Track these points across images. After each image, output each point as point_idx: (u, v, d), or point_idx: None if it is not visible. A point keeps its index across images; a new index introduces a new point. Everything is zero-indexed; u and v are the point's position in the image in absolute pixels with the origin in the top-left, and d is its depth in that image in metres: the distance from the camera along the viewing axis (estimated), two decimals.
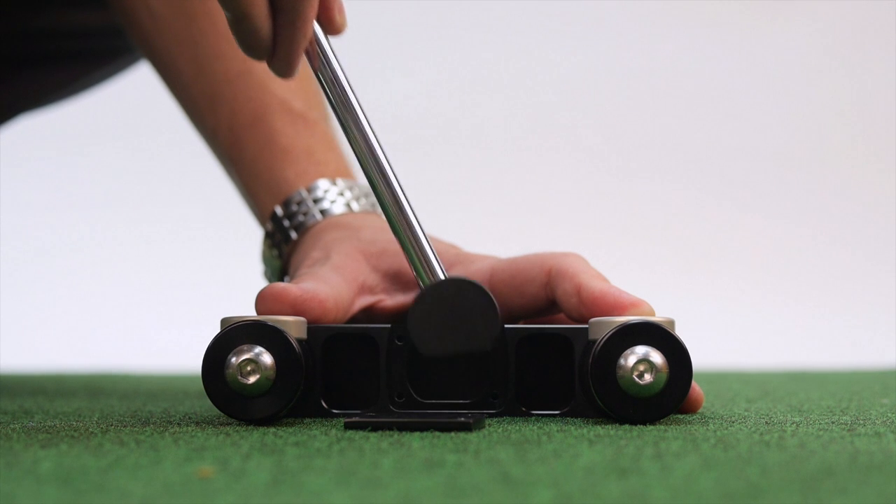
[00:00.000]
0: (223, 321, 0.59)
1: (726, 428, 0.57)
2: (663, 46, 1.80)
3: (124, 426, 0.58)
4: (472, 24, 1.80)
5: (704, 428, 0.56)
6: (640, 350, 0.57)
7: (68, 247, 1.74)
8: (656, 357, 0.57)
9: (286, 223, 0.71)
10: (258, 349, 0.57)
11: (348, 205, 0.71)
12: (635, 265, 1.58)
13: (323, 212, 0.70)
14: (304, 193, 0.71)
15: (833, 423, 0.59)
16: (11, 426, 0.59)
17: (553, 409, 0.61)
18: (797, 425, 0.58)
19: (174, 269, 1.72)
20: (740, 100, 1.80)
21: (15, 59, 0.92)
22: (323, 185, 0.71)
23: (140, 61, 0.90)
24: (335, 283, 0.63)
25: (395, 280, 0.65)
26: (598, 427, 0.57)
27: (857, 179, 1.77)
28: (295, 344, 0.58)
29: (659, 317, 0.58)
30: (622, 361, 0.57)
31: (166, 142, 1.63)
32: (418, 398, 0.61)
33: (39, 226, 1.75)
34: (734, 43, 1.81)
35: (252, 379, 0.57)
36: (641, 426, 0.56)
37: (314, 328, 0.60)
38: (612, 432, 0.54)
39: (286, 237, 0.71)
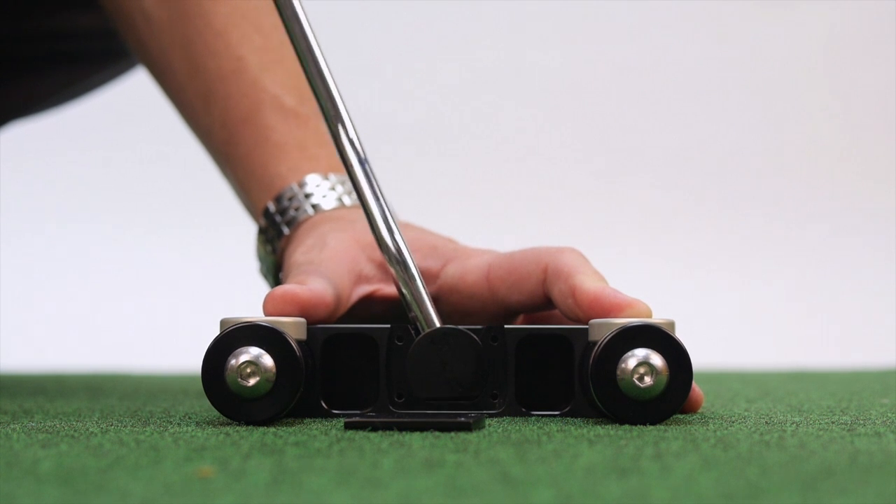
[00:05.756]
0: (223, 322, 0.59)
1: (726, 428, 0.57)
2: (663, 46, 1.80)
3: (124, 426, 0.58)
4: (466, 24, 1.80)
5: (704, 428, 0.56)
6: (640, 353, 0.57)
7: (69, 247, 1.73)
8: (656, 360, 0.57)
9: (278, 218, 0.71)
10: (258, 351, 0.57)
11: (340, 199, 0.71)
12: (635, 264, 1.58)
13: (314, 206, 0.70)
14: (296, 188, 0.71)
15: (833, 423, 0.59)
16: (11, 426, 0.59)
17: (553, 409, 0.61)
18: (797, 425, 0.58)
19: (174, 270, 1.72)
20: (741, 99, 1.80)
21: (9, 63, 0.91)
22: (314, 179, 0.71)
23: (137, 66, 0.90)
24: (337, 277, 0.63)
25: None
26: (598, 427, 0.57)
27: (857, 179, 1.77)
28: (295, 346, 0.58)
29: (659, 318, 0.59)
30: (622, 364, 0.57)
31: (166, 142, 1.63)
32: (418, 398, 0.61)
33: (40, 226, 1.75)
34: (733, 42, 1.80)
35: (252, 381, 0.57)
36: (641, 426, 0.56)
37: (314, 329, 0.60)
38: (612, 432, 0.54)
39: (279, 232, 0.71)
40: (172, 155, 1.65)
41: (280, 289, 0.60)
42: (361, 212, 0.69)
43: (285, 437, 0.53)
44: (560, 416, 0.61)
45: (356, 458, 0.46)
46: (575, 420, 0.60)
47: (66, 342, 1.60)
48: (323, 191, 0.71)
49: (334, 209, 0.70)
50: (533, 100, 1.79)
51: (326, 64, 0.61)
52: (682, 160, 1.77)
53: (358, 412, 0.61)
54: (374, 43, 1.77)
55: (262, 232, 0.72)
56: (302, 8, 0.61)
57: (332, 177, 0.71)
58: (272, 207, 0.71)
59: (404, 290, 0.60)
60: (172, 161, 1.68)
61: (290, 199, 0.71)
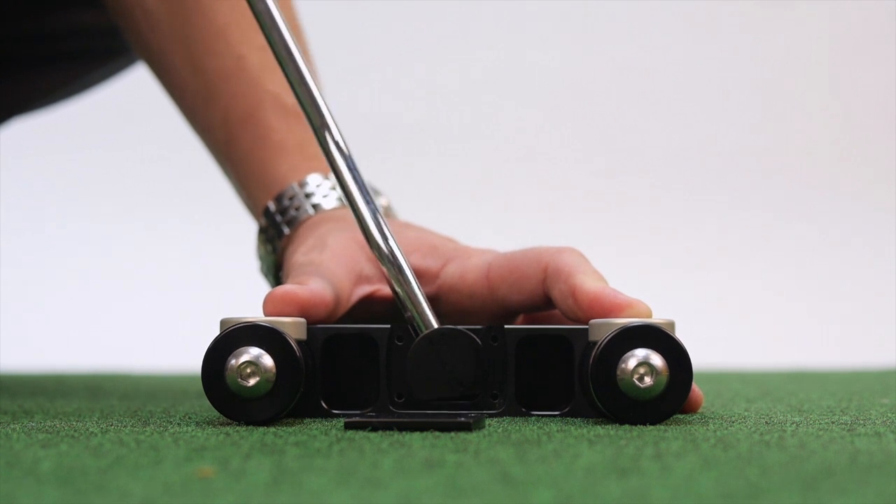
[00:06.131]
0: (223, 322, 0.59)
1: (726, 428, 0.57)
2: (663, 47, 1.80)
3: (124, 426, 0.58)
4: (466, 24, 1.80)
5: (704, 428, 0.56)
6: (640, 353, 0.57)
7: (68, 246, 1.73)
8: (656, 360, 0.57)
9: (278, 218, 0.71)
10: (258, 351, 0.57)
11: (341, 199, 0.70)
12: (635, 264, 1.58)
13: (315, 206, 0.70)
14: (296, 188, 0.71)
15: (833, 423, 0.59)
16: (11, 426, 0.59)
17: (553, 409, 0.61)
18: (797, 425, 0.58)
19: (174, 270, 1.72)
20: (741, 99, 1.80)
21: (10, 61, 0.91)
22: (315, 179, 0.71)
23: (137, 62, 0.90)
24: (337, 278, 0.63)
25: None
26: (598, 427, 0.57)
27: (857, 179, 1.77)
28: (295, 346, 0.58)
29: (659, 318, 0.59)
30: (622, 364, 0.57)
31: (165, 141, 1.63)
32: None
33: (39, 225, 1.75)
34: (733, 42, 1.80)
35: (252, 381, 0.57)
36: (641, 426, 0.56)
37: (314, 329, 0.60)
38: (612, 432, 0.54)
39: (279, 232, 0.71)
40: (172, 155, 1.64)
41: (280, 289, 0.60)
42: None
43: (285, 437, 0.53)
44: (560, 416, 0.61)
45: (356, 458, 0.46)
46: (575, 420, 0.60)
47: (66, 342, 1.60)
48: (324, 190, 0.71)
49: (335, 209, 0.70)
50: (533, 100, 1.79)
51: (308, 68, 0.61)
52: (682, 160, 1.77)
53: (358, 412, 0.61)
54: (374, 43, 1.77)
55: (262, 231, 0.72)
56: (280, 14, 0.61)
57: (333, 176, 0.71)
58: (272, 207, 0.71)
59: (398, 290, 0.60)
60: (172, 161, 1.68)
61: (291, 198, 0.71)
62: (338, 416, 0.61)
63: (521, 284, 0.63)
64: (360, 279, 0.65)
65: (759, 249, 1.75)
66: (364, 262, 0.65)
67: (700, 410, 0.65)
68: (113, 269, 1.74)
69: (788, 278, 1.73)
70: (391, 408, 0.60)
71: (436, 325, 0.60)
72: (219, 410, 0.58)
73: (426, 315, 0.60)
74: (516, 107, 1.79)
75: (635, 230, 1.75)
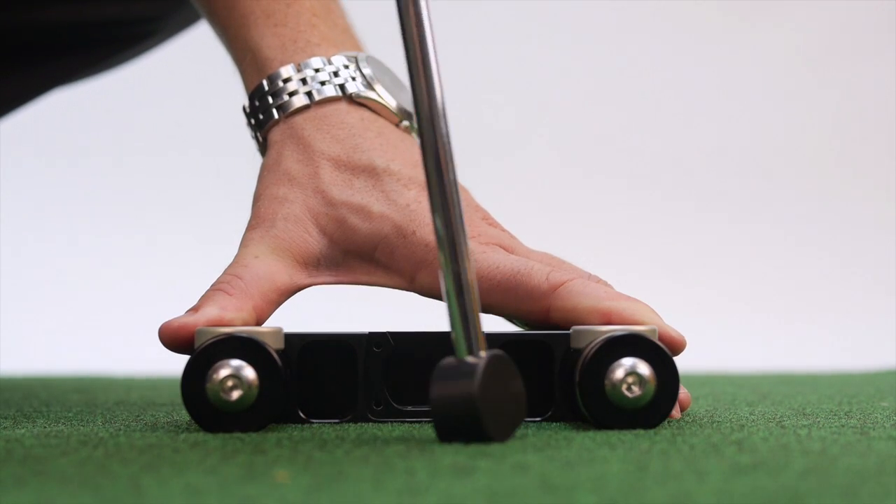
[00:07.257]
0: (199, 333, 0.58)
1: (740, 432, 0.57)
2: (647, 51, 1.81)
3: (133, 431, 0.58)
4: (466, 24, 1.80)
5: (720, 433, 0.56)
6: (628, 362, 0.57)
7: (62, 247, 1.72)
8: (644, 369, 0.57)
9: (252, 121, 0.67)
10: (239, 363, 0.56)
11: (310, 94, 0.65)
12: (623, 266, 1.58)
13: (281, 107, 0.65)
14: (266, 85, 0.66)
15: (843, 426, 0.60)
16: (18, 430, 0.58)
17: (533, 414, 0.60)
18: (809, 429, 0.58)
19: (173, 270, 1.70)
20: (739, 100, 1.80)
21: (42, 46, 0.91)
22: (285, 72, 0.66)
23: (154, 49, 0.90)
24: (253, 300, 0.60)
25: (354, 252, 0.63)
26: (608, 432, 0.56)
27: (855, 180, 1.77)
28: (276, 356, 0.57)
29: (643, 326, 0.58)
30: (610, 374, 0.57)
31: (161, 142, 1.61)
32: (396, 406, 0.60)
33: (32, 226, 1.73)
34: (732, 44, 1.81)
35: (235, 395, 0.56)
36: (658, 432, 0.56)
37: (290, 336, 0.59)
38: (626, 437, 0.54)
39: (255, 134, 0.67)
40: (168, 154, 1.63)
41: (176, 321, 0.59)
42: (331, 126, 0.64)
43: (302, 443, 0.53)
44: (541, 421, 0.60)
45: (389, 464, 0.46)
46: (575, 424, 0.59)
47: (55, 346, 1.59)
48: (293, 86, 0.65)
49: (303, 116, 0.65)
50: (531, 100, 1.79)
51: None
52: (678, 161, 1.77)
53: (335, 420, 0.60)
54: (373, 43, 1.77)
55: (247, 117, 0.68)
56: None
57: (311, 62, 0.66)
58: (247, 108, 0.67)
59: (448, 304, 0.51)
60: (168, 161, 1.66)
61: (260, 99, 0.66)
62: (315, 424, 0.60)
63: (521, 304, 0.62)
64: (317, 267, 0.63)
65: (746, 252, 1.75)
66: (318, 247, 0.63)
67: (706, 414, 0.65)
68: (112, 269, 1.72)
69: (777, 280, 1.73)
70: (369, 416, 0.60)
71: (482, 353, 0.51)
72: (203, 427, 0.56)
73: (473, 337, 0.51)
74: (515, 107, 1.79)
75: (624, 232, 1.75)
